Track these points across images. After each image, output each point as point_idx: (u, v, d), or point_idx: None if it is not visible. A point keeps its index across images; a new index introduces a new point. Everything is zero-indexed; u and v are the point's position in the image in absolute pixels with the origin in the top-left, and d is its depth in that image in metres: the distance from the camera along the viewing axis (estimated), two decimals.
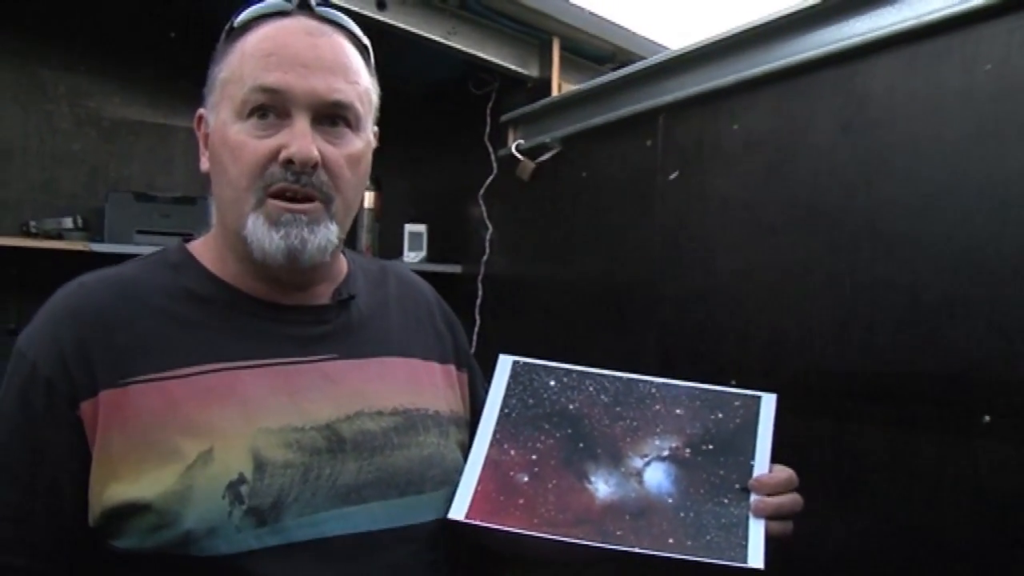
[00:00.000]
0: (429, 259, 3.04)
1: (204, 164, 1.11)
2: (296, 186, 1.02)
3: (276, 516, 0.97)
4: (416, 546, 1.07)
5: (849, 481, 1.48)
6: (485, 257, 2.77)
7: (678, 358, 1.90)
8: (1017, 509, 1.25)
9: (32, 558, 0.98)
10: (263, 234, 1.02)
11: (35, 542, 0.98)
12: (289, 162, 1.01)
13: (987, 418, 1.28)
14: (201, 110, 1.12)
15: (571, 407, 1.19)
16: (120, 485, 0.95)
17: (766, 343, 1.68)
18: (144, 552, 0.95)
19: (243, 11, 1.08)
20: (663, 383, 1.22)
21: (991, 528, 1.28)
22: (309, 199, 1.03)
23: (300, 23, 1.06)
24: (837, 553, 1.48)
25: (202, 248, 1.14)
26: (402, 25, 2.41)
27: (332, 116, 1.05)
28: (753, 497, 1.09)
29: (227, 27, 1.09)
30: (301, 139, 1.01)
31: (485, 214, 2.77)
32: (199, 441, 0.97)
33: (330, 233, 1.05)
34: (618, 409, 1.19)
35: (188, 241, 1.16)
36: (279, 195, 1.03)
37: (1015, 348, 1.26)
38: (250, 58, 1.04)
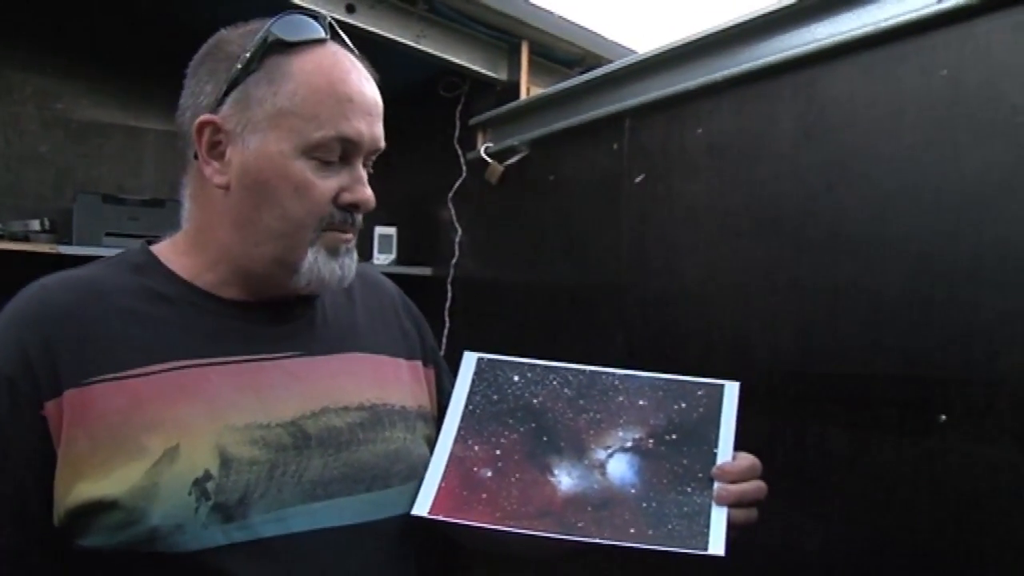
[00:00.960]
0: (399, 261, 3.04)
1: (220, 179, 1.06)
2: (348, 226, 1.09)
3: (243, 512, 0.97)
4: (384, 541, 1.08)
5: (811, 480, 1.50)
6: (454, 259, 2.77)
7: (644, 359, 1.92)
8: (972, 506, 1.28)
9: None
10: (323, 264, 1.08)
11: (2, 545, 0.97)
12: (354, 207, 1.08)
13: (943, 417, 1.31)
14: (213, 117, 1.05)
15: (535, 401, 1.19)
16: (86, 484, 0.95)
17: (730, 345, 1.70)
18: (111, 550, 0.95)
19: (280, 24, 1.06)
20: (626, 375, 1.22)
21: (948, 525, 1.31)
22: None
23: (349, 59, 1.08)
24: (799, 551, 1.50)
25: (167, 250, 1.14)
26: (371, 28, 2.41)
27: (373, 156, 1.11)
28: (716, 485, 1.09)
29: (266, 38, 1.05)
30: (364, 187, 1.08)
31: (454, 217, 2.78)
32: (165, 438, 0.97)
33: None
34: (581, 402, 1.19)
35: (151, 243, 1.16)
36: (332, 228, 1.08)
37: (970, 349, 1.29)
38: (327, 98, 1.03)
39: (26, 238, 2.48)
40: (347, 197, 1.07)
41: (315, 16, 1.09)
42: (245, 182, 1.05)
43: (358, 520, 1.05)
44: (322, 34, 1.07)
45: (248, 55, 1.04)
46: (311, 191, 1.04)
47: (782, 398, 1.55)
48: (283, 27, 1.06)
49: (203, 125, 1.06)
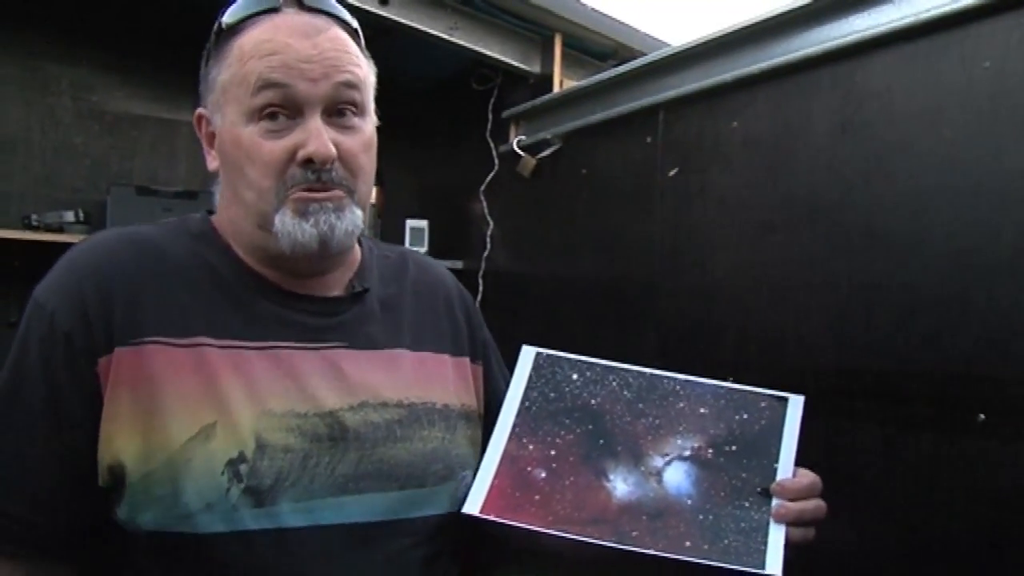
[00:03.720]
0: (430, 254, 3.03)
1: (212, 164, 1.12)
2: (318, 184, 1.04)
3: (273, 499, 0.97)
4: (413, 539, 1.07)
5: (845, 479, 1.48)
6: (486, 253, 2.77)
7: (677, 355, 1.91)
8: (1011, 507, 1.25)
9: (46, 514, 0.99)
10: (293, 226, 1.04)
11: (52, 498, 0.99)
12: (309, 161, 1.03)
13: (982, 416, 1.29)
14: (201, 110, 1.12)
15: (593, 402, 1.17)
16: (123, 443, 0.96)
17: (764, 341, 1.68)
18: (141, 525, 0.95)
19: (230, 8, 1.08)
20: (687, 380, 1.19)
21: (985, 526, 1.29)
22: (330, 189, 1.06)
23: (294, 20, 1.06)
24: (832, 550, 1.49)
25: (222, 225, 1.15)
26: (405, 21, 2.41)
27: (340, 107, 1.06)
28: (775, 502, 1.07)
29: (216, 26, 1.09)
30: (317, 137, 1.03)
31: (486, 210, 2.77)
32: (203, 414, 0.97)
33: (356, 217, 1.08)
34: (641, 406, 1.16)
35: (211, 213, 1.17)
36: (305, 189, 1.05)
37: (1010, 347, 1.26)
38: (252, 60, 1.04)
39: (60, 229, 2.51)
40: (301, 153, 1.03)
41: None
42: (223, 162, 1.10)
43: (387, 517, 1.05)
44: (262, 6, 1.07)
45: (210, 46, 1.10)
46: (260, 154, 1.04)
47: (816, 395, 1.53)
48: (230, 12, 1.09)
49: (198, 119, 1.13)
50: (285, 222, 1.04)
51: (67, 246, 2.38)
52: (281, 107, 1.03)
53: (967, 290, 1.32)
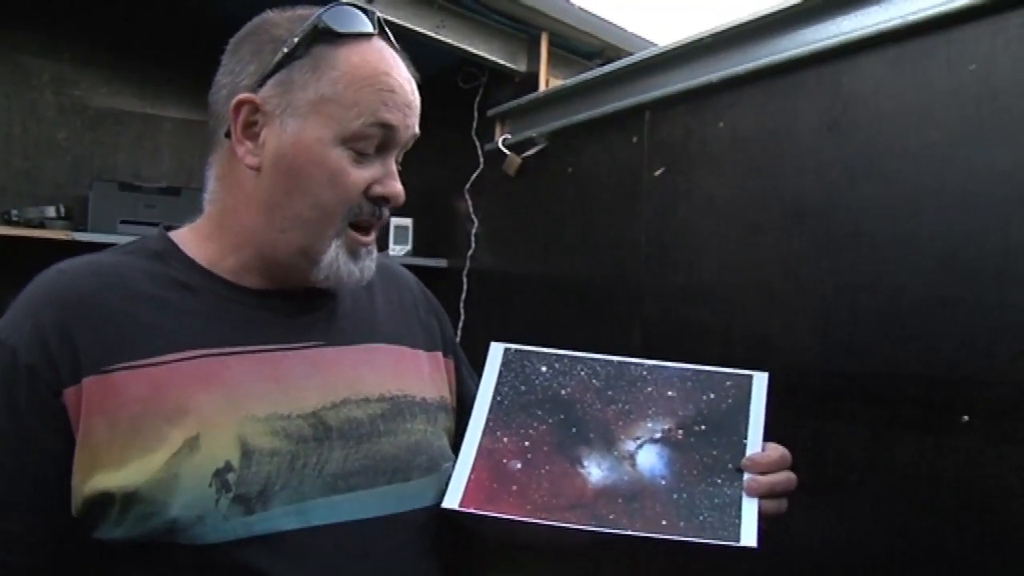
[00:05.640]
0: (415, 253, 3.03)
1: (252, 160, 1.06)
2: (374, 219, 1.10)
3: (263, 504, 0.96)
4: (404, 534, 1.07)
5: (830, 479, 1.49)
6: (471, 251, 2.76)
7: (661, 355, 1.90)
8: (994, 507, 1.26)
9: (16, 552, 0.96)
10: (343, 264, 1.08)
11: (21, 535, 0.96)
12: (383, 200, 1.08)
13: (966, 417, 1.29)
14: (253, 97, 1.05)
15: (563, 392, 1.19)
16: (104, 474, 0.94)
17: (749, 341, 1.68)
18: (130, 541, 0.94)
19: (332, 12, 1.06)
20: (654, 365, 1.22)
21: (969, 525, 1.29)
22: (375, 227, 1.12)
23: (393, 56, 1.09)
24: (817, 550, 1.49)
25: (187, 236, 1.13)
26: (391, 18, 2.39)
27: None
28: (746, 476, 1.09)
29: (316, 25, 1.05)
30: (395, 180, 1.10)
31: (471, 208, 2.77)
32: (185, 428, 0.96)
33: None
34: (610, 393, 1.19)
35: (169, 229, 1.15)
36: (357, 226, 1.09)
37: (995, 349, 1.27)
38: (367, 88, 1.04)
39: (41, 225, 2.49)
40: (378, 190, 1.07)
41: (364, 10, 1.09)
42: (279, 166, 1.05)
43: (379, 513, 1.04)
44: (371, 28, 1.08)
45: (296, 40, 1.04)
46: (344, 180, 1.05)
47: (802, 396, 1.54)
48: (334, 17, 1.06)
49: (241, 103, 1.05)
50: (338, 257, 1.08)
51: (48, 242, 2.37)
52: (378, 141, 1.07)
53: (952, 292, 1.33)
